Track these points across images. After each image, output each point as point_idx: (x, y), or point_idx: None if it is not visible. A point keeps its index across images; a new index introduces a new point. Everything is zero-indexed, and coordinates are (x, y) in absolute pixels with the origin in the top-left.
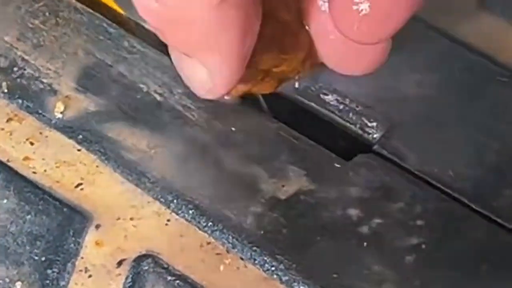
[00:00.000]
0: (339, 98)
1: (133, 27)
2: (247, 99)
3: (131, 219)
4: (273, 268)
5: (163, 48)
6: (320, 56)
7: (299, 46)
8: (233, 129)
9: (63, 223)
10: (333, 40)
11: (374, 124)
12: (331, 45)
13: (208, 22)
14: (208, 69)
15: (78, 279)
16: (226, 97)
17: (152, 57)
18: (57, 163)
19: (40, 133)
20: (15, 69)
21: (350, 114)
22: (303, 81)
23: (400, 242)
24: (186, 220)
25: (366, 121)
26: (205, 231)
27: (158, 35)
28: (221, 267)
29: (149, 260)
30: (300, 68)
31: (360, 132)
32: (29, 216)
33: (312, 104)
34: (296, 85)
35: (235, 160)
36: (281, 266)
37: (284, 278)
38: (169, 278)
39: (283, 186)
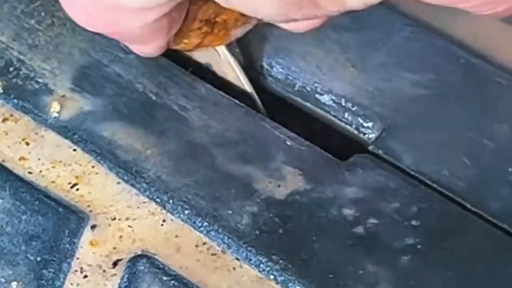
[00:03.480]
0: (335, 98)
1: None
2: (244, 98)
3: (127, 219)
4: (268, 268)
5: None
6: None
7: None
8: (228, 129)
9: (58, 223)
10: None
11: (370, 124)
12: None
13: (144, 32)
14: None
15: (74, 279)
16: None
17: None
18: (53, 163)
19: (36, 133)
20: (11, 69)
21: (346, 114)
22: (299, 81)
23: (396, 242)
24: (182, 220)
25: (361, 121)
26: (201, 231)
27: None
28: (217, 267)
29: (145, 260)
30: (244, 19)
31: (355, 132)
32: (24, 216)
33: (308, 104)
34: (296, 87)
35: (231, 160)
36: (277, 266)
37: (279, 278)
38: (164, 278)
39: (278, 186)
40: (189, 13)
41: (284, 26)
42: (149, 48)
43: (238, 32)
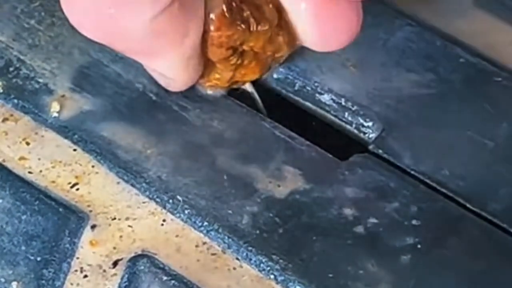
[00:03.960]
0: (335, 98)
1: None
2: (244, 98)
3: (127, 219)
4: (268, 268)
5: None
6: (295, 32)
7: (264, 19)
8: (229, 129)
9: (58, 223)
10: (305, 10)
11: (370, 123)
12: (304, 16)
13: (144, 33)
14: (157, 71)
15: (74, 279)
16: (209, 91)
17: None
18: (53, 163)
19: (36, 133)
20: (11, 69)
21: (346, 114)
22: (299, 80)
23: (396, 242)
24: (182, 220)
25: (362, 121)
26: (201, 231)
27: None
28: (217, 267)
29: (145, 260)
30: (272, 47)
31: (355, 131)
32: (24, 216)
33: (308, 103)
34: (296, 87)
35: (231, 160)
36: (277, 266)
37: (279, 278)
38: (164, 278)
39: (279, 186)
40: (212, 40)
41: (318, 48)
42: (158, 64)
43: (270, 63)
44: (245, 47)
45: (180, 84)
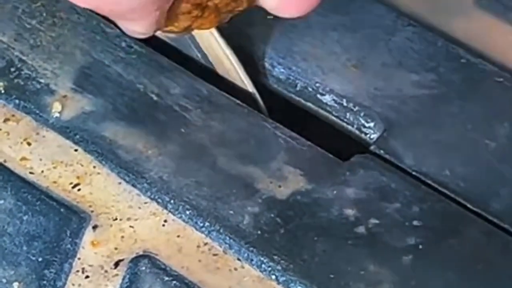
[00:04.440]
0: (336, 99)
1: None
2: (245, 98)
3: (128, 219)
4: (270, 269)
5: (160, 49)
6: None
7: None
8: (230, 129)
9: (60, 223)
10: None
11: (371, 124)
12: None
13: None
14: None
15: (75, 280)
16: (169, 34)
17: (149, 57)
18: (54, 164)
19: (37, 133)
20: (12, 69)
21: (347, 115)
22: (300, 81)
23: (397, 242)
24: (183, 220)
25: (363, 122)
26: (202, 232)
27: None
28: (218, 268)
29: (146, 260)
30: (235, 3)
31: (357, 132)
32: (26, 217)
33: (309, 104)
34: (297, 87)
35: (232, 160)
36: (278, 267)
37: (281, 279)
38: (166, 278)
39: (280, 186)
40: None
41: (276, 11)
42: (140, 25)
43: (227, 16)
44: (209, 4)
45: (146, 35)
